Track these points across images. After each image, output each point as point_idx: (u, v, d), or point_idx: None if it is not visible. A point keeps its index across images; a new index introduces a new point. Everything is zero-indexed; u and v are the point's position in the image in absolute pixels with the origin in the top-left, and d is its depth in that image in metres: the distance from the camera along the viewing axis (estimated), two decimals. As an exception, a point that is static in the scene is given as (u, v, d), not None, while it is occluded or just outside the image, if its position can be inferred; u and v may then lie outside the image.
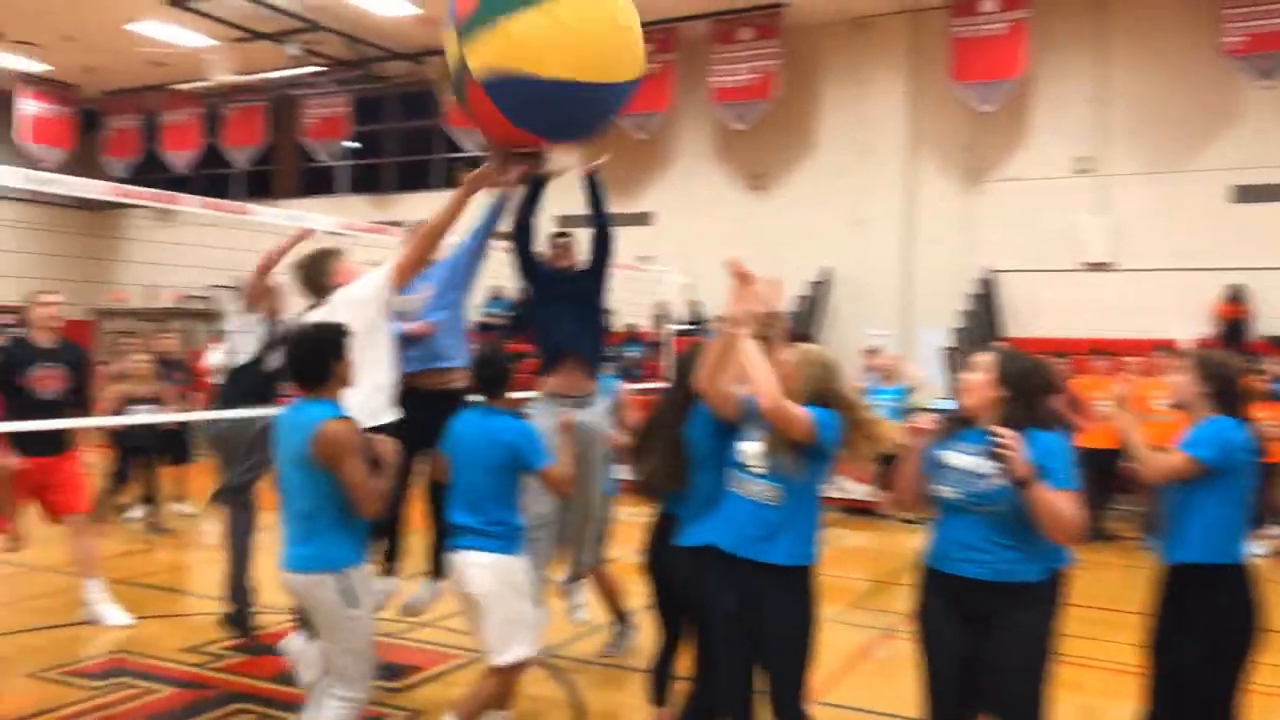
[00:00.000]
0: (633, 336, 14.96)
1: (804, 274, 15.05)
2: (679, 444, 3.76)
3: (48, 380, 6.00)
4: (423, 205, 17.39)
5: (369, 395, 4.24)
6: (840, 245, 15.14)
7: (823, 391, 3.44)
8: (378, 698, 4.60)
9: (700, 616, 3.69)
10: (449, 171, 18.87)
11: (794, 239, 15.22)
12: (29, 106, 18.98)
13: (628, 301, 13.90)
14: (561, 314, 5.04)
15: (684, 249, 14.81)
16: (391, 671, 5.17)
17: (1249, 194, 13.06)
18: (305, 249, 5.00)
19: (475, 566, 4.01)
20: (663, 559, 4.03)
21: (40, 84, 18.91)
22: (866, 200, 14.98)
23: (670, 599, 4.07)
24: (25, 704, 4.75)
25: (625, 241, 15.61)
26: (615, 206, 16.27)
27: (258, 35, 14.96)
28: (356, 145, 19.14)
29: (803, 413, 3.34)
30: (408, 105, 19.10)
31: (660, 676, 4.23)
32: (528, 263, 5.12)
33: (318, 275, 4.66)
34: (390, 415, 4.41)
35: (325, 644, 3.68)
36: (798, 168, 15.60)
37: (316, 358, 3.60)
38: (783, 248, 15.11)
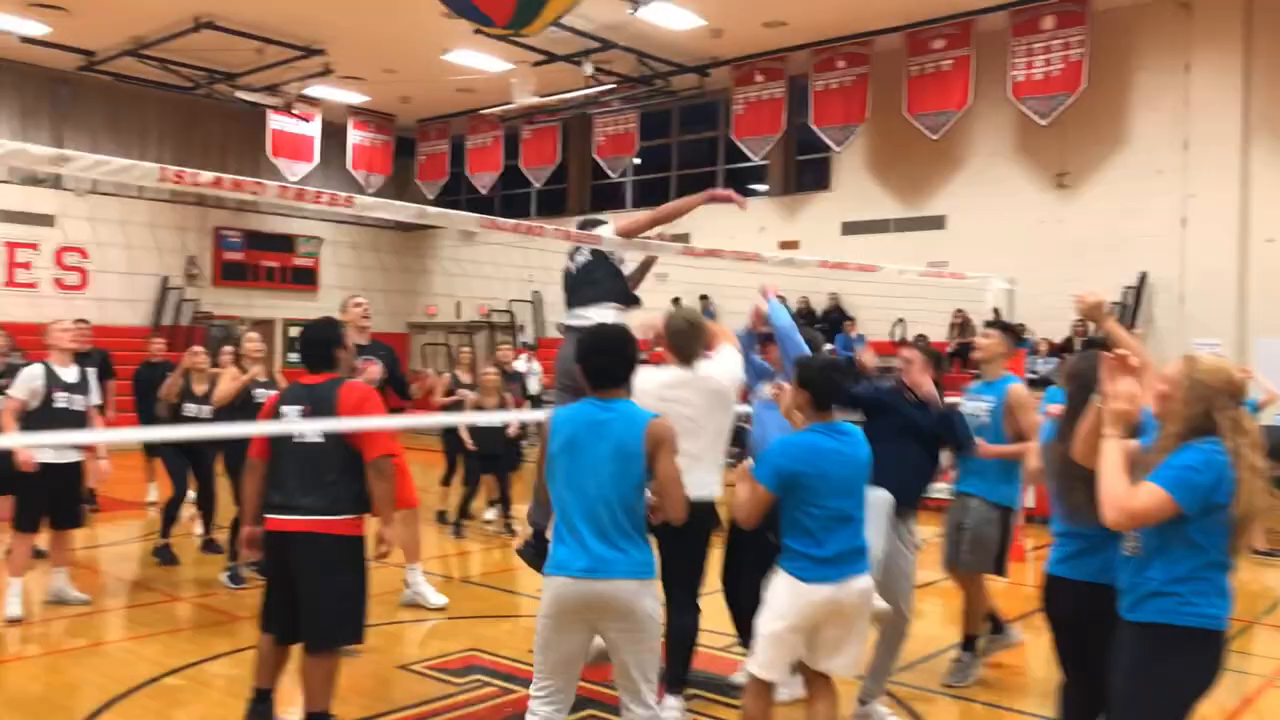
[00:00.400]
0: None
1: (1117, 280, 13.84)
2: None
3: (367, 369, 6.44)
4: (707, 216, 17.56)
5: (712, 470, 4.47)
6: (1158, 247, 13.82)
7: (1207, 417, 2.86)
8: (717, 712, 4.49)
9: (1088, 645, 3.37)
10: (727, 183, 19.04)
11: (1104, 242, 14.08)
12: (355, 136, 20.92)
13: (922, 308, 13.38)
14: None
15: (978, 253, 14.06)
16: (723, 686, 4.97)
17: None
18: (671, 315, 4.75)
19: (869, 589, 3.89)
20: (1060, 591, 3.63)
21: (364, 115, 20.80)
22: (1189, 197, 13.60)
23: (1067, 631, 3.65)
24: (401, 696, 4.92)
25: (915, 246, 15.18)
26: (905, 210, 15.92)
27: (555, 58, 15.68)
28: (637, 160, 19.68)
29: (1153, 501, 2.79)
30: (692, 118, 19.44)
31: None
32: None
33: (694, 347, 4.55)
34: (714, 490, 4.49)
35: (630, 655, 3.40)
36: (1108, 164, 14.41)
37: (626, 361, 3.53)
38: (1091, 251, 14.04)
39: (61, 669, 5.33)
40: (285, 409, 4.10)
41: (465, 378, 9.76)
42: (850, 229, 16.79)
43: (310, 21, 15.32)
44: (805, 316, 16.92)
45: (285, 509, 4.01)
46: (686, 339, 4.50)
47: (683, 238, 18.87)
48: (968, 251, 15.24)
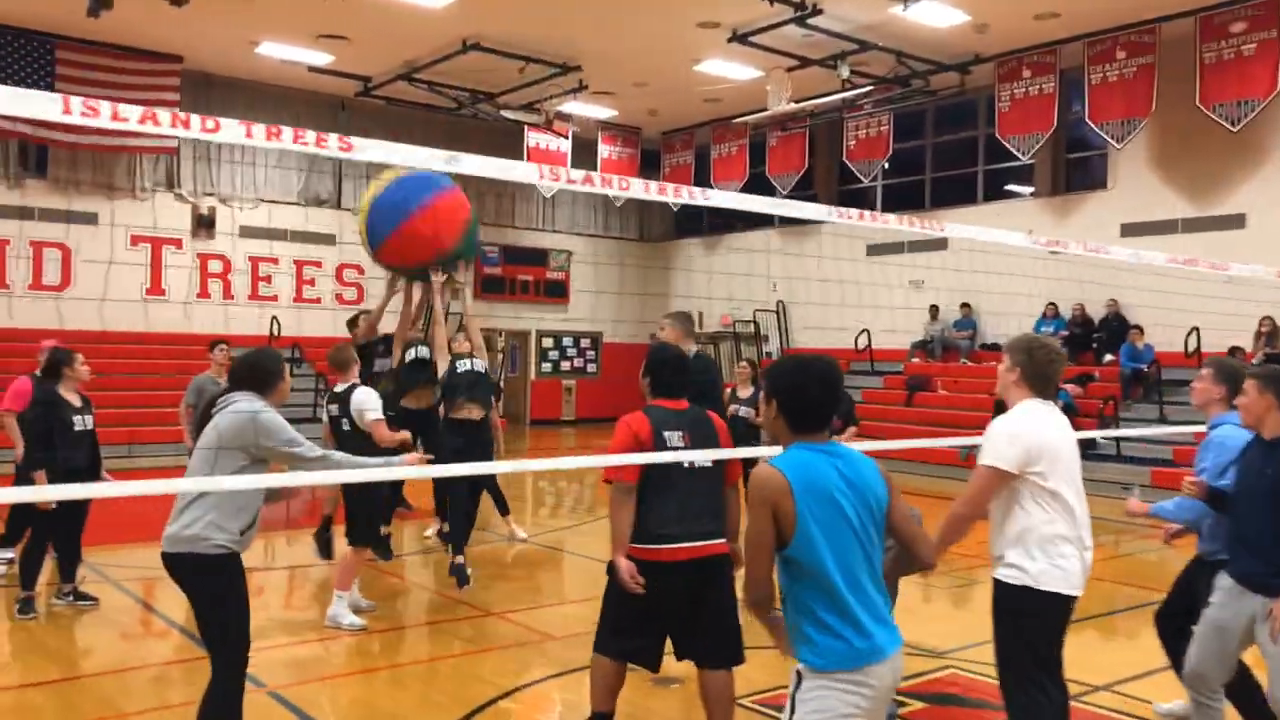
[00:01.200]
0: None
1: None
2: None
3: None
4: (964, 219, 16.76)
5: None
6: None
7: None
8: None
9: None
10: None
11: None
12: (604, 150, 21.35)
13: (1219, 314, 12.21)
14: None
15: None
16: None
17: None
18: None
19: None
20: None
21: (612, 129, 21.19)
22: None
23: None
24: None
25: (1207, 248, 13.87)
26: (1195, 209, 14.43)
27: (809, 62, 15.37)
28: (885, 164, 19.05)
29: None
30: (948, 117, 18.65)
31: None
32: None
33: None
34: None
35: None
36: None
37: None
38: None
39: (406, 685, 5.50)
40: (668, 434, 4.11)
41: (744, 393, 9.56)
42: (1130, 230, 15.53)
43: (569, 40, 15.70)
44: (1082, 325, 15.86)
45: (698, 536, 4.05)
46: None
47: (943, 243, 18.17)
48: (1272, 252, 13.79)
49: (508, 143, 20.30)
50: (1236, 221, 14.46)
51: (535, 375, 22.92)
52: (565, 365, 23.34)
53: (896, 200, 20.07)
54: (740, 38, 14.84)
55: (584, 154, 21.19)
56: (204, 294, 18.22)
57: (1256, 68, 13.14)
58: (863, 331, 18.66)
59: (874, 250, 19.21)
